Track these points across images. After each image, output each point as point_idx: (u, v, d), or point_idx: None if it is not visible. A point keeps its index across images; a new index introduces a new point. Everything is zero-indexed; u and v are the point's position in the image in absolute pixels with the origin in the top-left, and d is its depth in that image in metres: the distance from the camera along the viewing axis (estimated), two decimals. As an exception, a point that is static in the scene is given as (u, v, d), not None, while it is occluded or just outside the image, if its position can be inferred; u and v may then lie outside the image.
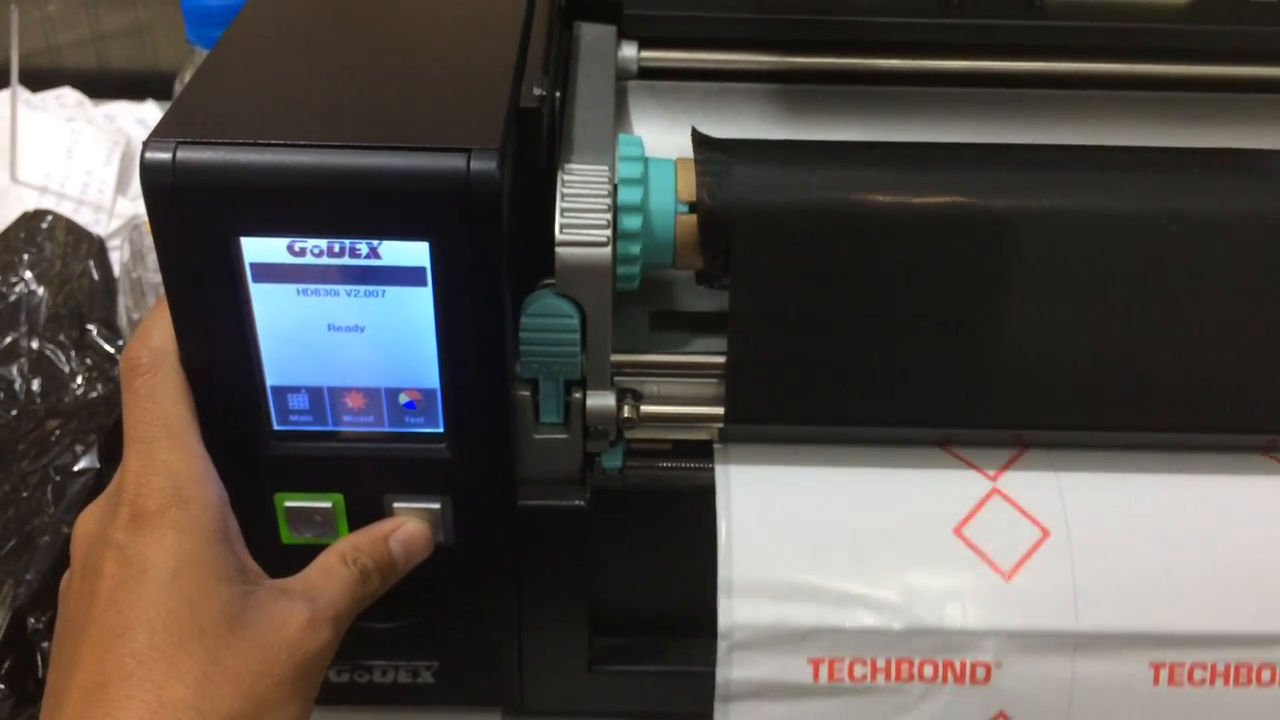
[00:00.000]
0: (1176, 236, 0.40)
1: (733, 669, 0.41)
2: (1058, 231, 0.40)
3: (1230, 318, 0.41)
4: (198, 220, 0.35)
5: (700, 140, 0.42)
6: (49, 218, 0.75)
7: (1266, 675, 0.41)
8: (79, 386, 0.66)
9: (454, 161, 0.34)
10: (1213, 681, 0.41)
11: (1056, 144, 0.44)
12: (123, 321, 0.71)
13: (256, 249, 0.36)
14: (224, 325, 0.37)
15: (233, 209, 0.35)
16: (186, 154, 0.34)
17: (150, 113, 0.91)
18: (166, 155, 0.34)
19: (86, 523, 0.39)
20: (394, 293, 0.37)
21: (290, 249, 0.36)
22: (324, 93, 0.38)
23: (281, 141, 0.34)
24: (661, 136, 0.46)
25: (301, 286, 0.37)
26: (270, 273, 0.36)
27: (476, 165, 0.34)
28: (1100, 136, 0.46)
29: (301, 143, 0.34)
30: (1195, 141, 0.45)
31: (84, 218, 0.80)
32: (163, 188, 0.34)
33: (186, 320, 0.37)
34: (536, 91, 0.38)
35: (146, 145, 0.34)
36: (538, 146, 0.39)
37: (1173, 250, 0.40)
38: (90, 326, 0.69)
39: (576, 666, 0.48)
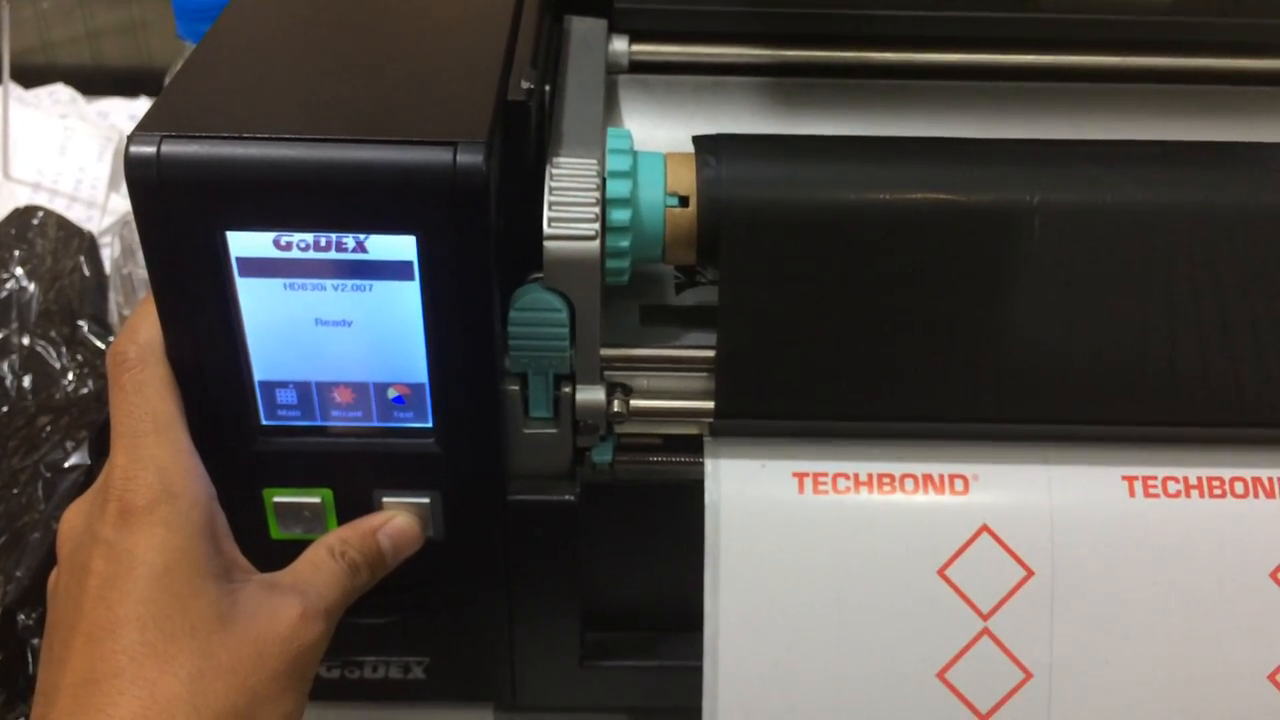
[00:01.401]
0: (1169, 230, 0.40)
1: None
2: (1048, 226, 0.40)
3: (1227, 311, 0.41)
4: (183, 214, 0.35)
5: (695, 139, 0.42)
6: (40, 214, 0.75)
7: (1240, 488, 0.42)
8: (70, 383, 0.66)
9: (440, 155, 0.34)
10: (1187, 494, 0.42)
11: (1049, 138, 0.44)
12: (114, 318, 0.71)
13: (243, 243, 0.35)
14: (211, 320, 0.37)
15: (218, 203, 0.35)
16: (171, 148, 0.34)
17: (143, 109, 0.91)
18: (151, 149, 0.34)
19: (73, 519, 0.39)
20: (381, 287, 0.36)
21: (276, 243, 0.36)
22: (310, 86, 0.38)
23: (267, 135, 0.34)
24: (653, 131, 0.46)
25: (288, 281, 0.36)
26: (257, 267, 0.36)
27: (463, 158, 0.34)
28: (1093, 130, 0.46)
29: (287, 136, 0.34)
30: (1189, 134, 0.45)
31: (77, 214, 0.79)
32: (147, 182, 0.34)
33: (173, 315, 0.37)
34: (524, 85, 0.38)
35: (131, 139, 0.34)
36: (526, 140, 0.39)
37: (1166, 244, 0.40)
38: (81, 323, 0.69)
39: (568, 662, 0.47)
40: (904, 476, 0.42)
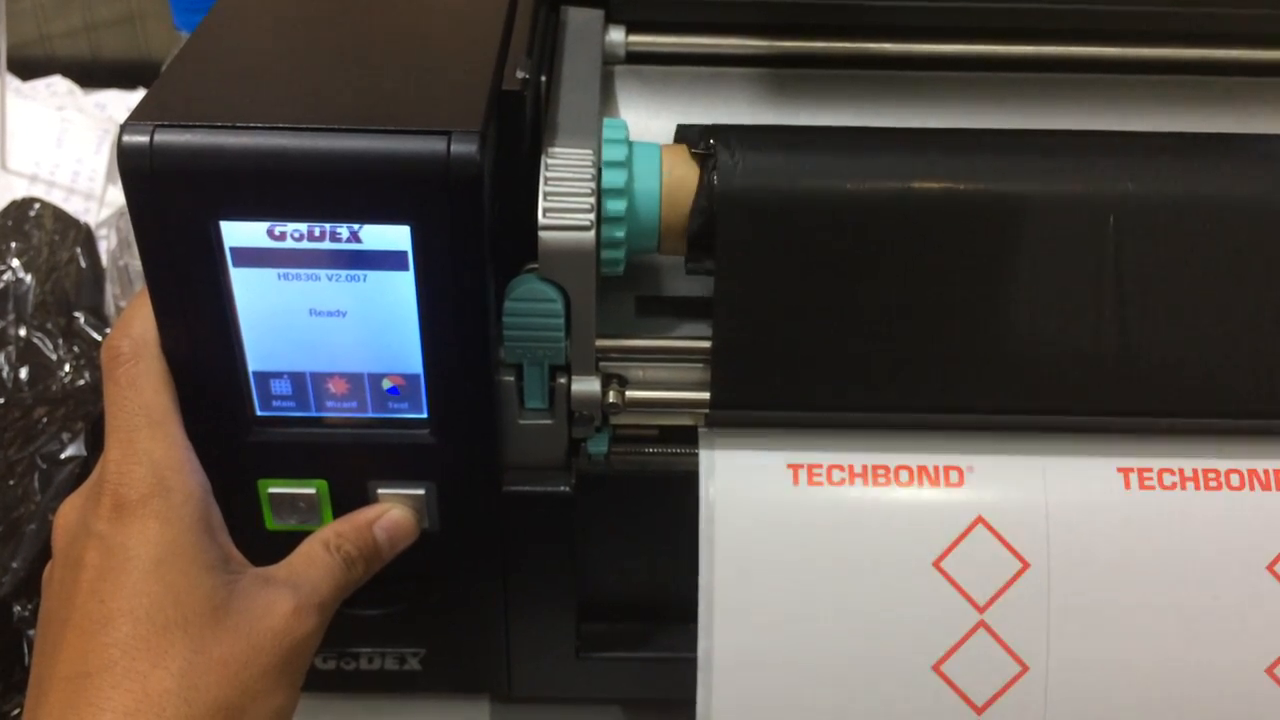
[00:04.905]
0: (1171, 221, 0.40)
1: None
2: (1046, 217, 0.40)
3: (1226, 301, 0.41)
4: (177, 204, 0.35)
5: (686, 128, 0.42)
6: (37, 206, 0.75)
7: (1236, 480, 0.42)
8: (66, 374, 0.66)
9: (434, 144, 0.34)
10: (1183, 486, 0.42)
11: (1047, 129, 0.44)
12: (110, 310, 0.71)
13: (236, 233, 0.35)
14: (205, 310, 0.37)
15: (212, 193, 0.35)
16: (165, 137, 0.34)
17: (141, 101, 0.91)
18: (144, 138, 0.34)
19: (68, 512, 0.38)
20: (375, 277, 0.36)
21: (270, 233, 0.35)
22: (304, 75, 0.38)
23: (261, 125, 0.34)
24: (649, 122, 0.46)
25: (282, 271, 0.36)
26: (251, 257, 0.36)
27: (457, 148, 0.34)
28: (1093, 121, 0.46)
29: (281, 126, 0.34)
30: (1189, 125, 0.45)
31: (74, 206, 0.79)
32: (141, 171, 0.34)
33: (167, 306, 0.37)
34: (519, 74, 0.38)
35: (124, 129, 0.34)
36: (521, 130, 0.39)
37: (1168, 235, 0.40)
38: (78, 314, 0.69)
39: (564, 653, 0.47)
40: (899, 469, 0.42)
